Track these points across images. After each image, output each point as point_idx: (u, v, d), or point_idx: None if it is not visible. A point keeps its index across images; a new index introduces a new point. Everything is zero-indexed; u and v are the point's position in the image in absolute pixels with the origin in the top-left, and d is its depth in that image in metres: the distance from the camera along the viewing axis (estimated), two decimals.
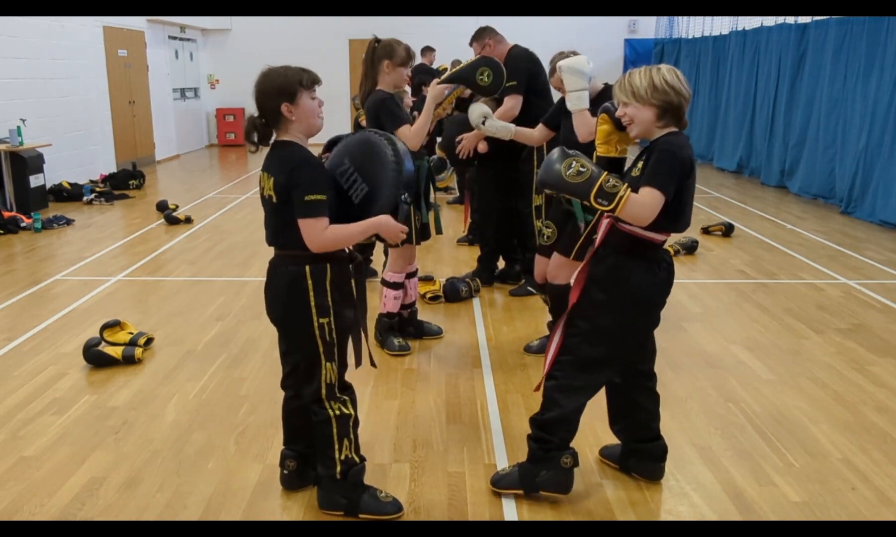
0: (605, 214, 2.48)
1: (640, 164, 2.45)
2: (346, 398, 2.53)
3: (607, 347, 2.54)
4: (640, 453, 2.79)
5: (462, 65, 4.06)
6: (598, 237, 2.54)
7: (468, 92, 4.64)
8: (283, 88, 2.34)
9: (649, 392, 2.74)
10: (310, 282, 2.39)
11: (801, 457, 2.98)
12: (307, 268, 2.39)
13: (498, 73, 3.96)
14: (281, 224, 2.39)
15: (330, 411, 2.49)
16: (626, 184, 2.37)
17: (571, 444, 2.63)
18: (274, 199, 2.36)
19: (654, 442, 2.77)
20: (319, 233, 2.33)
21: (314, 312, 2.40)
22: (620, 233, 2.49)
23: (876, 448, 3.06)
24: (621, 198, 2.32)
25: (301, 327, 2.43)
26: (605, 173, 2.38)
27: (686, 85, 2.45)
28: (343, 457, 2.52)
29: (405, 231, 2.50)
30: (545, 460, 2.61)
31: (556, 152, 2.45)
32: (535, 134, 4.07)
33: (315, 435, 2.57)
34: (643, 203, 2.34)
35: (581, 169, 2.37)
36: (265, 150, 2.48)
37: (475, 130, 4.72)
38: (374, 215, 2.42)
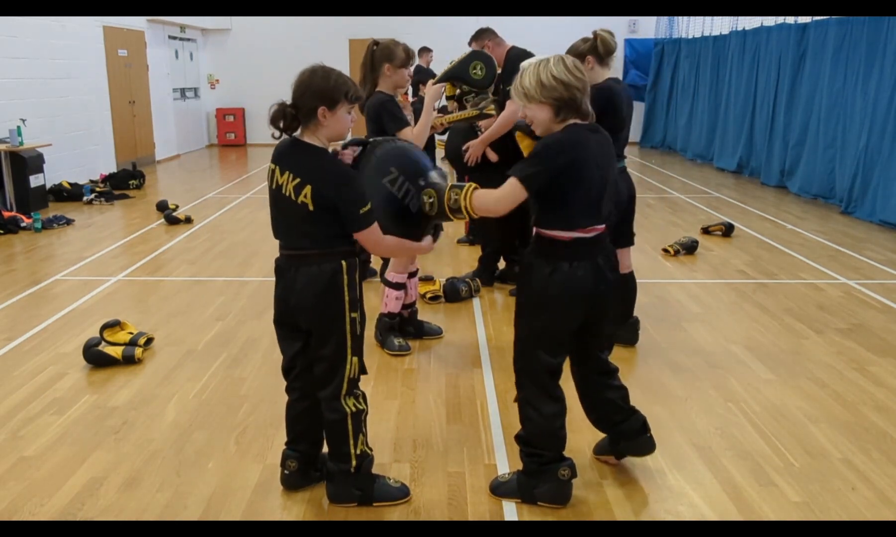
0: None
1: None
2: (359, 393, 2.56)
3: (537, 351, 2.51)
4: (624, 433, 2.79)
5: (454, 62, 4.08)
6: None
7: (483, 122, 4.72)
8: (326, 93, 2.36)
9: (613, 387, 2.75)
10: (345, 277, 2.42)
11: (801, 457, 2.98)
12: (343, 263, 2.41)
13: (490, 65, 4.03)
14: (314, 228, 2.39)
15: (346, 408, 2.52)
16: (468, 186, 2.48)
17: (569, 447, 2.64)
18: (310, 207, 2.35)
19: (630, 418, 2.77)
20: (381, 238, 2.46)
21: (347, 307, 2.44)
22: (535, 237, 2.53)
23: (876, 448, 3.06)
24: (465, 205, 2.48)
25: (335, 324, 2.44)
26: (447, 189, 2.51)
27: (577, 73, 2.37)
28: (359, 451, 2.56)
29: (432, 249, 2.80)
30: (542, 473, 2.60)
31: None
32: None
33: (328, 432, 2.59)
34: (493, 195, 2.44)
35: (430, 201, 2.54)
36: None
37: (481, 138, 4.76)
38: (430, 226, 2.67)
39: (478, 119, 4.74)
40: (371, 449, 2.63)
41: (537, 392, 2.56)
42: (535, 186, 2.37)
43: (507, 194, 2.39)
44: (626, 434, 2.79)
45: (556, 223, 2.43)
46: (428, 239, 2.72)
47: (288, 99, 2.41)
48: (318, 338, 2.50)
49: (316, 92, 2.35)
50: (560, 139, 2.38)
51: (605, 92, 3.58)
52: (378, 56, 3.76)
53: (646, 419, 2.80)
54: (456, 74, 4.02)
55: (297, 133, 2.43)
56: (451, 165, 5.27)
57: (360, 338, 2.52)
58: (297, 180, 2.36)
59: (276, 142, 2.48)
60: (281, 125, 2.39)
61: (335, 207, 2.35)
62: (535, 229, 2.52)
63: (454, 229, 7.11)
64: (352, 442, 2.54)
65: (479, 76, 4.01)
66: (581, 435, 3.03)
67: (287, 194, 2.38)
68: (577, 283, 2.45)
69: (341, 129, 2.43)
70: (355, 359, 2.50)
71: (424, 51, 10.17)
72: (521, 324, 2.57)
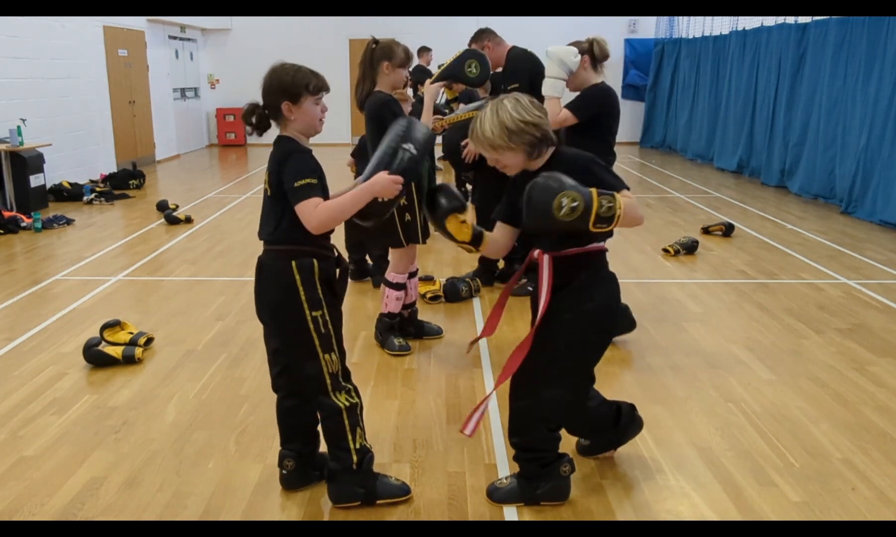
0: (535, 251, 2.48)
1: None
2: (350, 387, 2.55)
3: (568, 365, 2.49)
4: (622, 433, 2.89)
5: (449, 61, 4.10)
6: (546, 274, 2.43)
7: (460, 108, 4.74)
8: (287, 88, 2.37)
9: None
10: (297, 276, 2.40)
11: (801, 457, 2.98)
12: (293, 263, 2.40)
13: (484, 63, 4.08)
14: (272, 216, 2.42)
15: (339, 403, 2.50)
16: (617, 195, 2.26)
17: (570, 447, 2.65)
18: (268, 191, 2.42)
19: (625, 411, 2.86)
20: (313, 211, 2.33)
21: (306, 306, 2.41)
22: (579, 257, 2.42)
23: (876, 448, 3.06)
24: (617, 216, 2.24)
25: (294, 322, 2.43)
26: (596, 195, 2.21)
27: (535, 109, 2.35)
28: (358, 446, 2.54)
29: (399, 181, 2.41)
30: (543, 475, 2.60)
31: (538, 190, 2.22)
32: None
33: (325, 431, 2.58)
34: (633, 204, 2.29)
35: (573, 205, 2.18)
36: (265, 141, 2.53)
37: None
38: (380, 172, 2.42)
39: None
40: (370, 446, 2.63)
41: (561, 402, 2.54)
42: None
43: (635, 201, 2.32)
44: (624, 433, 2.89)
45: (602, 234, 2.38)
46: (380, 175, 2.40)
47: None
48: (280, 339, 2.52)
49: (278, 88, 2.38)
50: (577, 153, 2.46)
51: (606, 90, 3.66)
52: (377, 54, 3.76)
53: (634, 408, 2.89)
54: (451, 73, 4.06)
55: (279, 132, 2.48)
56: (449, 161, 5.27)
57: (331, 335, 2.46)
58: (267, 170, 2.44)
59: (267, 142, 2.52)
60: (253, 121, 2.43)
61: (279, 181, 2.37)
62: (567, 252, 2.42)
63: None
64: (350, 436, 2.53)
65: (473, 74, 4.07)
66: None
67: (264, 187, 2.47)
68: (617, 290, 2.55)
69: (311, 122, 2.43)
70: (328, 356, 2.47)
71: (424, 50, 10.17)
72: (580, 342, 2.47)
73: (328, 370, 2.48)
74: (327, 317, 2.45)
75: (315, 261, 2.42)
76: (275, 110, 2.40)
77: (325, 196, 2.39)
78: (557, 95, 3.77)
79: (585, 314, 2.44)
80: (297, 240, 2.40)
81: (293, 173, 2.34)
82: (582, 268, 2.45)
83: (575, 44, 3.80)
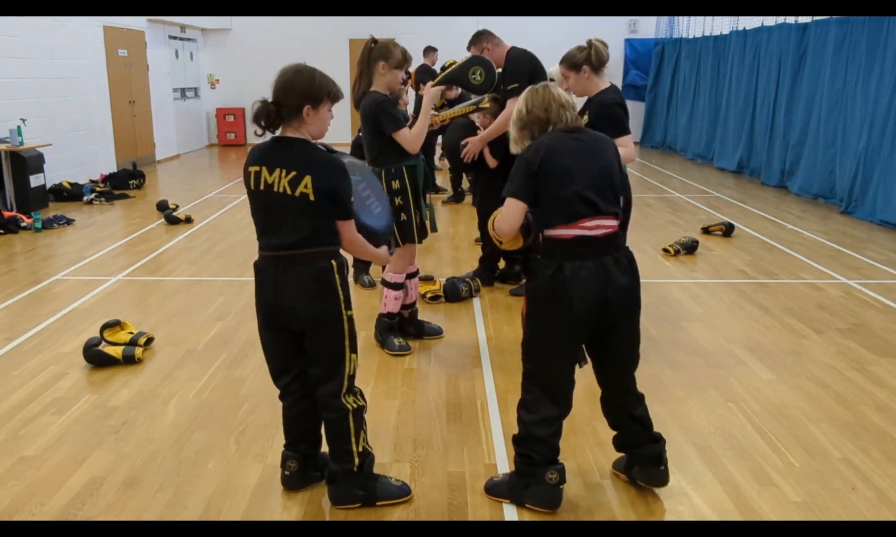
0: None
1: None
2: (357, 390, 2.57)
3: (541, 355, 2.50)
4: (638, 459, 2.71)
5: (454, 66, 4.09)
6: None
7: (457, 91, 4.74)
8: (311, 92, 2.39)
9: (635, 413, 2.65)
10: (337, 276, 2.43)
11: (801, 457, 2.98)
12: (333, 262, 2.43)
13: (490, 71, 4.03)
14: (312, 222, 2.39)
15: (347, 405, 2.52)
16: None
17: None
18: (311, 197, 2.35)
19: (648, 445, 2.68)
20: (355, 231, 2.51)
21: (343, 305, 2.45)
22: (542, 241, 2.55)
23: (876, 448, 3.06)
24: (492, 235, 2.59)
25: (332, 324, 2.45)
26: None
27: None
28: (360, 449, 2.55)
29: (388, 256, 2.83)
30: (530, 474, 2.59)
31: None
32: None
33: (328, 432, 2.59)
34: (501, 215, 2.52)
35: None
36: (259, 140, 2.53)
37: (479, 135, 4.77)
38: (379, 230, 2.72)
39: (474, 112, 4.72)
40: (371, 448, 2.63)
41: (535, 396, 2.53)
42: (529, 193, 2.45)
43: (510, 213, 2.48)
44: (641, 460, 2.70)
45: (552, 219, 2.43)
46: (384, 249, 2.75)
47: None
48: (314, 339, 2.48)
49: (301, 91, 2.38)
50: (528, 146, 2.55)
51: (619, 98, 3.66)
52: (375, 54, 3.75)
53: (663, 452, 2.68)
54: (456, 79, 4.04)
55: (279, 131, 2.45)
56: (448, 160, 5.27)
57: (356, 335, 2.53)
58: (294, 173, 2.36)
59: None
60: (263, 123, 2.42)
61: (335, 195, 2.38)
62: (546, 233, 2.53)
63: (454, 229, 7.11)
64: (353, 439, 2.53)
65: (478, 81, 4.05)
66: (583, 436, 3.03)
67: (281, 190, 2.38)
68: (580, 285, 2.37)
69: (323, 127, 2.47)
70: (354, 356, 2.51)
71: (430, 50, 10.15)
72: (527, 327, 2.56)
73: (348, 371, 2.50)
74: (353, 317, 2.51)
75: (345, 260, 2.49)
76: (291, 111, 2.39)
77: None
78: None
79: (528, 290, 2.58)
80: (332, 241, 2.45)
81: (349, 189, 2.45)
82: (542, 254, 2.51)
83: (578, 49, 3.75)
